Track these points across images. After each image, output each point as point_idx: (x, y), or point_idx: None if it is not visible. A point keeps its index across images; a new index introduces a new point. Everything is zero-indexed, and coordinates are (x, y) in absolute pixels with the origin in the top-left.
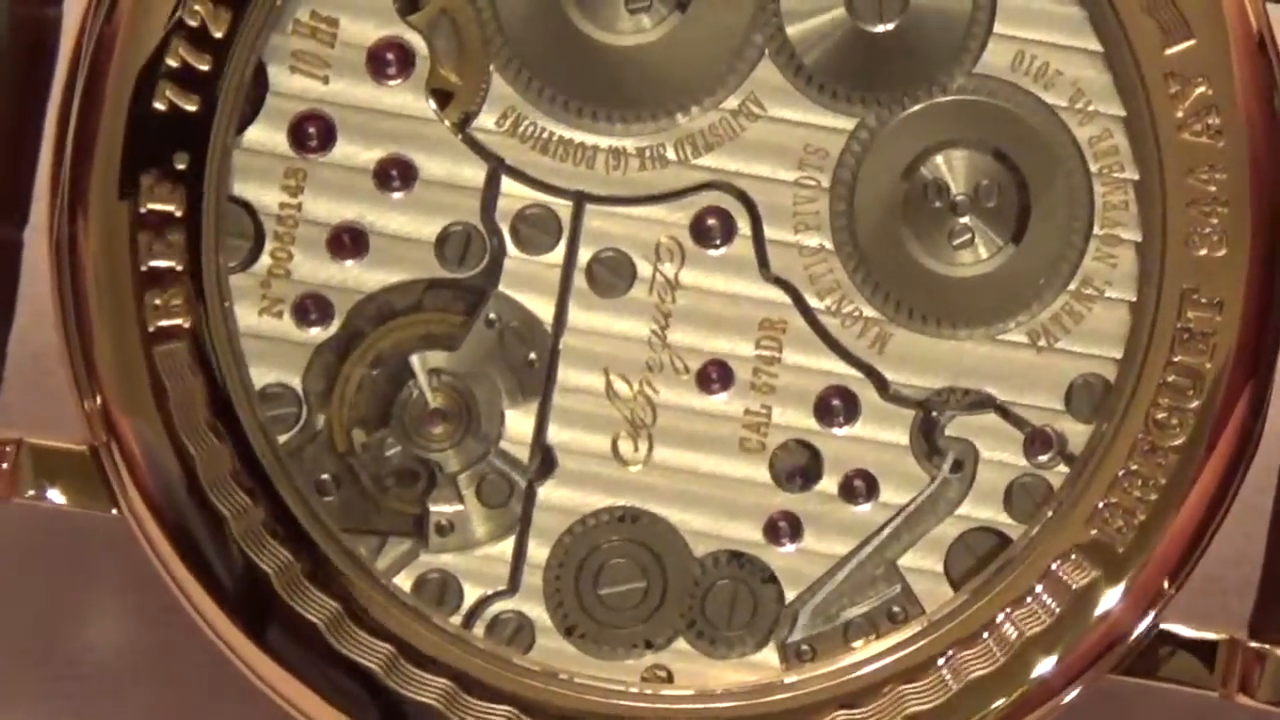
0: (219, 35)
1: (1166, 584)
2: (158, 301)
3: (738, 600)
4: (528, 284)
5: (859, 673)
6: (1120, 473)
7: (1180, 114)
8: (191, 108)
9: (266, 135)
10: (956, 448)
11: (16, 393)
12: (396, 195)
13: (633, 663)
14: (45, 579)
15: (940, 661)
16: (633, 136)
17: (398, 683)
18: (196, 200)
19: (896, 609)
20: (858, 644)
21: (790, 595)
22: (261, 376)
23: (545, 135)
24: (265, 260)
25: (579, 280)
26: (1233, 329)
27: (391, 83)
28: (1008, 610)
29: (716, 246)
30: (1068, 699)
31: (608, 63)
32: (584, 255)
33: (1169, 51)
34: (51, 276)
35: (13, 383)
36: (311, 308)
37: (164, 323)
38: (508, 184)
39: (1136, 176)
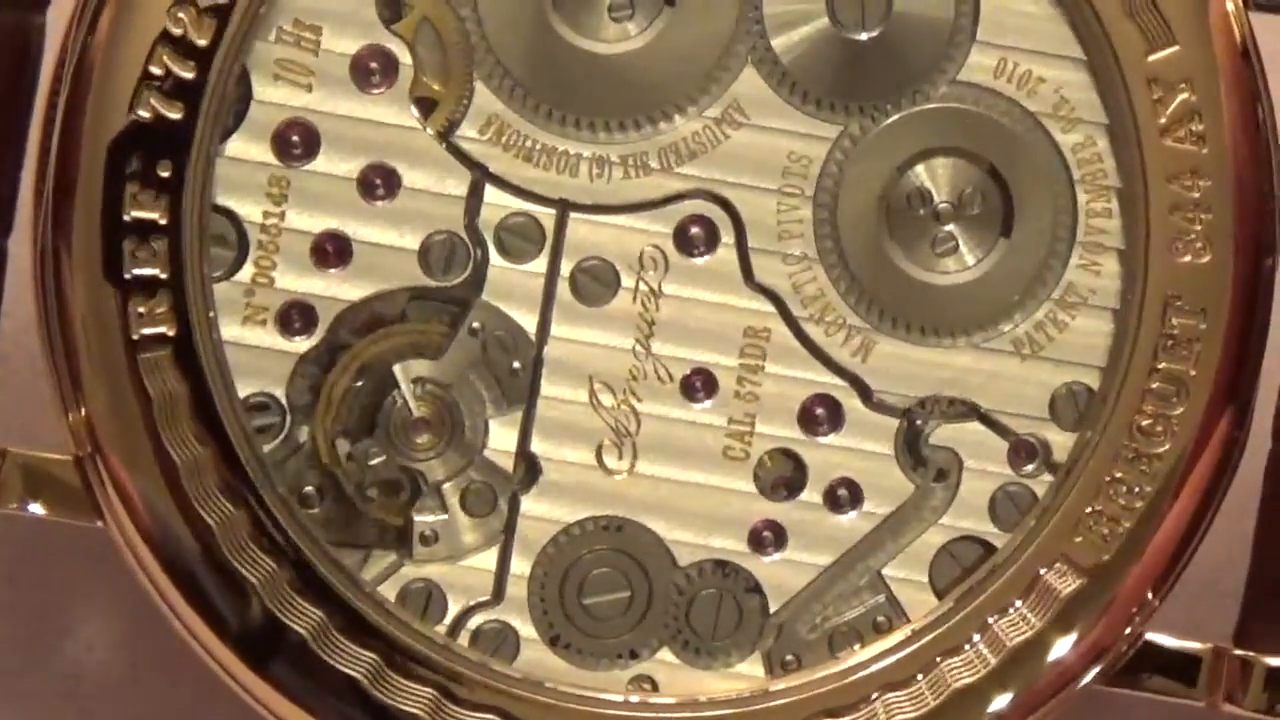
0: (203, 43)
1: (1150, 594)
2: (142, 310)
3: (722, 610)
4: (511, 293)
5: (844, 682)
6: (1105, 480)
7: (1163, 120)
8: (175, 116)
9: (250, 144)
10: (940, 457)
11: (2, 402)
12: (380, 204)
13: (618, 673)
14: (44, 580)
15: (926, 670)
16: (616, 145)
17: (383, 692)
18: (180, 209)
19: (881, 618)
20: (843, 653)
21: (775, 605)
22: (246, 386)
23: (529, 144)
24: (249, 269)
25: (562, 289)
26: (1216, 335)
27: (375, 91)
28: (993, 619)
29: (700, 255)
30: (1053, 708)
31: (591, 71)
32: (567, 264)
33: (1152, 58)
34: (34, 286)
35: None
36: (295, 317)
37: (148, 331)
38: (491, 193)
39: (1119, 184)
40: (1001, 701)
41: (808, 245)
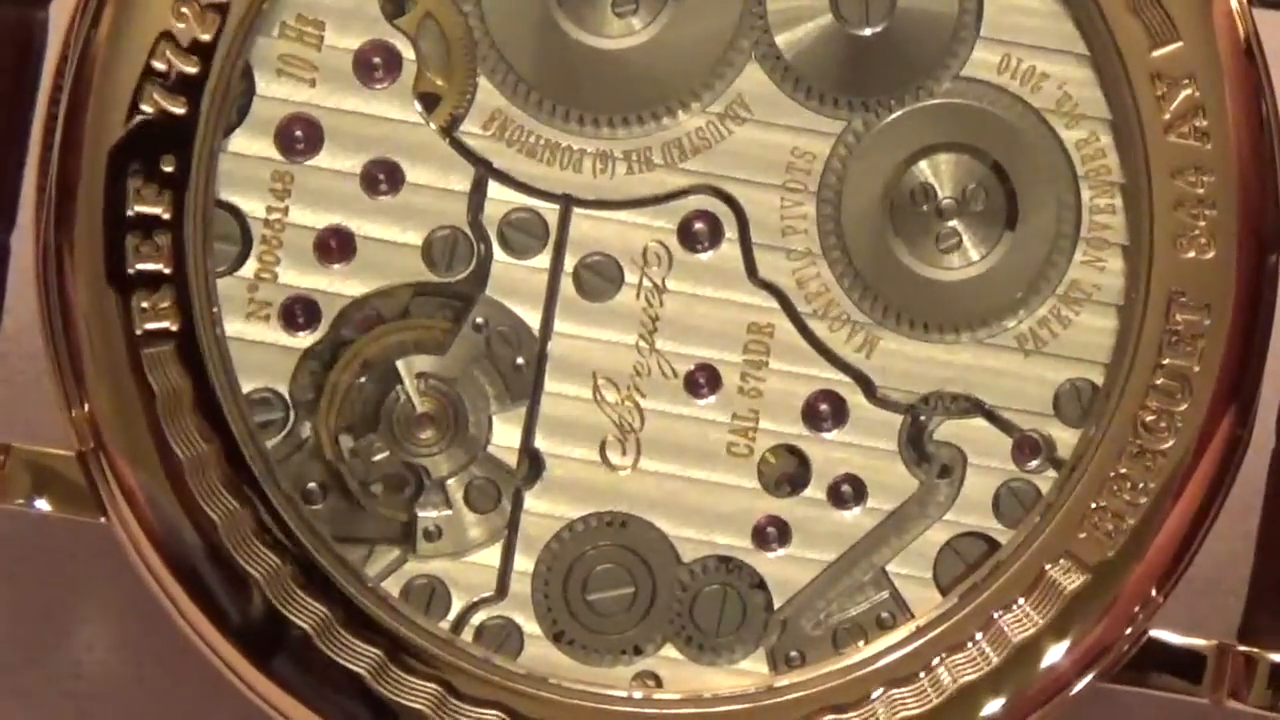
0: (206, 38)
1: (1154, 591)
2: (145, 305)
3: (726, 606)
4: (515, 288)
5: (848, 678)
6: (1109, 476)
7: (1167, 116)
8: (178, 111)
9: (253, 139)
10: (944, 453)
11: (6, 398)
12: (383, 199)
13: (622, 669)
14: (44, 579)
15: (930, 666)
16: (620, 140)
17: (386, 687)
18: (183, 204)
19: (885, 614)
20: (847, 649)
21: (778, 601)
22: (249, 382)
23: (532, 139)
24: (252, 264)
25: (566, 285)
26: (1221, 331)
27: (378, 86)
28: (997, 615)
29: (704, 251)
30: (1056, 705)
31: (594, 66)
32: (571, 260)
33: (1155, 54)
34: (37, 281)
35: (2, 388)
36: (299, 312)
37: (151, 326)
38: (495, 188)
39: (1123, 179)
40: (1004, 698)
41: (811, 241)
